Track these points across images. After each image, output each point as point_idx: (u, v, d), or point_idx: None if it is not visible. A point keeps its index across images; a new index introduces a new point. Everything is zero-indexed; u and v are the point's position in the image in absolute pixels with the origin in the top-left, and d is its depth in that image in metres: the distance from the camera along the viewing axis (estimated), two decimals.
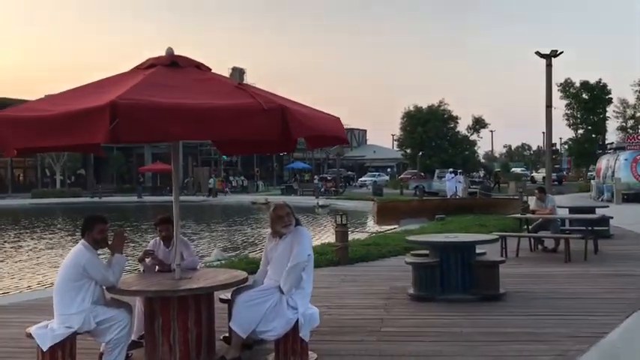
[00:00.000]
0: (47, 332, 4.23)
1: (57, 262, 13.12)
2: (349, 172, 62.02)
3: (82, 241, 4.47)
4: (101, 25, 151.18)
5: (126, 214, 30.64)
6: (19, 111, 3.84)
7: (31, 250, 16.47)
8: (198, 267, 5.45)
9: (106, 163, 51.20)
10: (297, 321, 4.55)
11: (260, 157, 58.69)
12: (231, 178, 53.74)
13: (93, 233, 4.47)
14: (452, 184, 30.90)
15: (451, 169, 33.72)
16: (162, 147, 50.67)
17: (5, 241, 18.67)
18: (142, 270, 5.43)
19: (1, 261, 14.46)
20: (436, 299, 6.87)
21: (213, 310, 4.82)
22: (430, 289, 6.98)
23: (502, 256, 9.59)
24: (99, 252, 4.54)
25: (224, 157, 54.89)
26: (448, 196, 28.89)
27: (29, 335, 4.28)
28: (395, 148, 71.23)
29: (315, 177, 51.16)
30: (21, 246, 17.47)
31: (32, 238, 19.40)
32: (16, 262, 14.15)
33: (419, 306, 6.72)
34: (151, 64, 4.54)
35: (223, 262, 10.43)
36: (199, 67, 4.71)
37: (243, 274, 4.95)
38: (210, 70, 4.81)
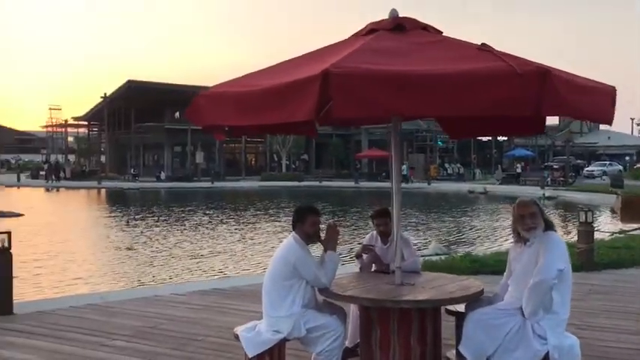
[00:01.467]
0: (254, 336, 3.79)
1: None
2: (578, 161, 56.07)
3: (293, 234, 3.96)
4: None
5: (343, 199, 31.29)
6: (224, 87, 3.40)
7: (264, 232, 16.90)
8: (419, 268, 4.65)
9: (326, 149, 53.47)
10: (548, 354, 3.50)
11: (478, 142, 56.18)
12: (446, 165, 52.34)
13: (304, 226, 3.92)
14: None
15: None
16: (378, 133, 51.28)
17: (241, 222, 19.72)
18: (358, 267, 4.81)
19: (238, 241, 15.00)
20: None
21: (440, 325, 3.98)
22: None
23: None
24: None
25: (439, 142, 53.71)
26: None
27: (236, 337, 3.90)
28: (635, 134, 62.52)
29: (517, 165, 47.17)
30: (255, 227, 18.07)
31: (265, 220, 20.04)
32: (253, 245, 14.41)
33: None
34: (371, 30, 3.82)
35: (443, 257, 9.54)
36: (427, 29, 3.87)
37: (478, 285, 4.01)
38: (441, 32, 3.94)
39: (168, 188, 39.02)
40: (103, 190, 38.62)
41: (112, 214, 23.01)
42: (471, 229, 18.18)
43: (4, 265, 6.21)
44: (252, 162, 57.24)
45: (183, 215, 21.83)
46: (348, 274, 4.65)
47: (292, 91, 2.97)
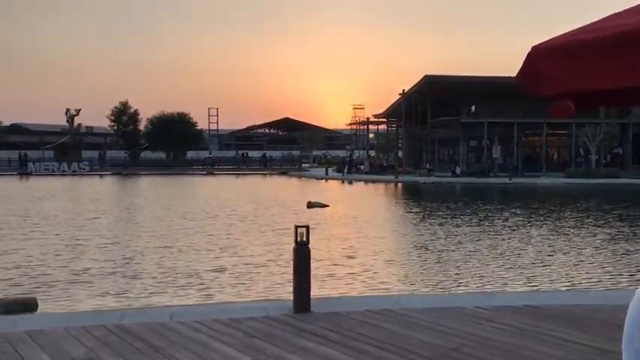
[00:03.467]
0: None
1: (626, 261, 11.05)
2: None
3: None
4: None
5: None
6: (569, 36, 2.24)
7: (590, 239, 14.15)
8: None
9: None
10: None
11: None
12: None
13: None
14: None
15: None
16: None
17: (558, 225, 17.08)
18: None
19: (565, 252, 12.36)
20: None
21: None
22: None
23: None
24: None
25: None
26: None
27: None
28: None
29: None
30: (577, 233, 15.31)
31: (588, 225, 16.89)
32: (578, 255, 11.96)
33: None
34: None
35: None
36: None
37: None
38: None
39: (463, 183, 38.11)
40: (400, 184, 39.64)
41: (413, 210, 22.62)
42: None
43: (302, 260, 6.05)
44: (554, 156, 52.67)
45: (489, 214, 19.98)
46: None
47: None
